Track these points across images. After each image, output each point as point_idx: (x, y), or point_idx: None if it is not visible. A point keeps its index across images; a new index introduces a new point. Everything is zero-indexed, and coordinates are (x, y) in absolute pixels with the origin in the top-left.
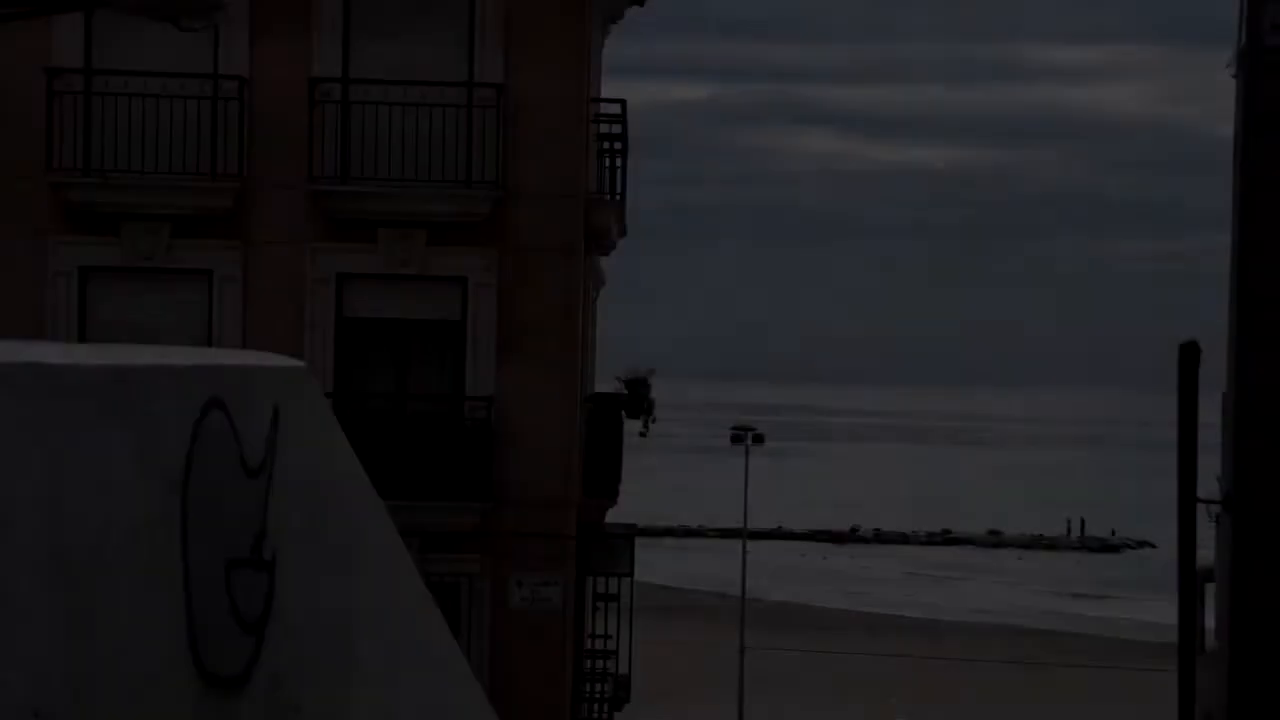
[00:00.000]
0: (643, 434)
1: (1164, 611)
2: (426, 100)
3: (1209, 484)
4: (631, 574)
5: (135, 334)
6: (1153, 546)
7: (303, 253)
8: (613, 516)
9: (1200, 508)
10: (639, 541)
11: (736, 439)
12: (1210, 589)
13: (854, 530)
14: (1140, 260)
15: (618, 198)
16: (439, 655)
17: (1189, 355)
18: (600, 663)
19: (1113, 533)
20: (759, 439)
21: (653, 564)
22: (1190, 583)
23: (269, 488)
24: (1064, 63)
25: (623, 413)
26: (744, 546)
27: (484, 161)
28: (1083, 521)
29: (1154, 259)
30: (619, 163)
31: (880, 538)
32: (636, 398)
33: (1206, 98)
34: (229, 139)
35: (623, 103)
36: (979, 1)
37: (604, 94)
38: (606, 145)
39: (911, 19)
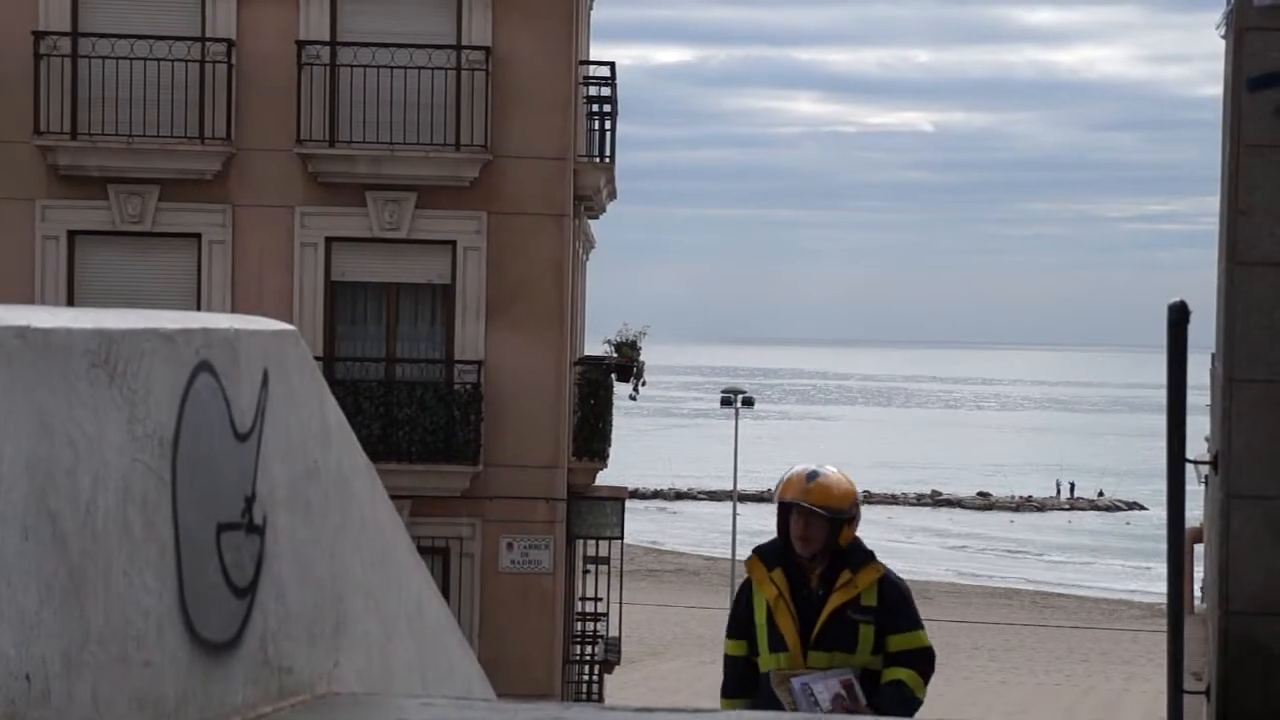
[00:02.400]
0: (632, 397)
1: (1153, 572)
2: (414, 63)
3: (1199, 446)
4: (621, 536)
5: (124, 297)
6: (1142, 508)
7: (291, 216)
8: (602, 479)
9: (1190, 469)
10: (629, 504)
11: (726, 402)
12: (1199, 550)
13: None
14: (1126, 220)
15: (607, 160)
16: (429, 617)
17: (1178, 316)
18: (591, 625)
19: (1100, 494)
20: (749, 402)
21: (643, 526)
22: (1179, 544)
23: (259, 451)
24: (1047, 25)
25: (613, 376)
26: (734, 508)
27: (472, 124)
28: (1072, 484)
29: (1140, 219)
30: (608, 125)
31: (869, 499)
32: (626, 361)
33: (1187, 59)
34: (216, 102)
35: (612, 65)
36: None
37: (594, 56)
38: (595, 108)
39: None
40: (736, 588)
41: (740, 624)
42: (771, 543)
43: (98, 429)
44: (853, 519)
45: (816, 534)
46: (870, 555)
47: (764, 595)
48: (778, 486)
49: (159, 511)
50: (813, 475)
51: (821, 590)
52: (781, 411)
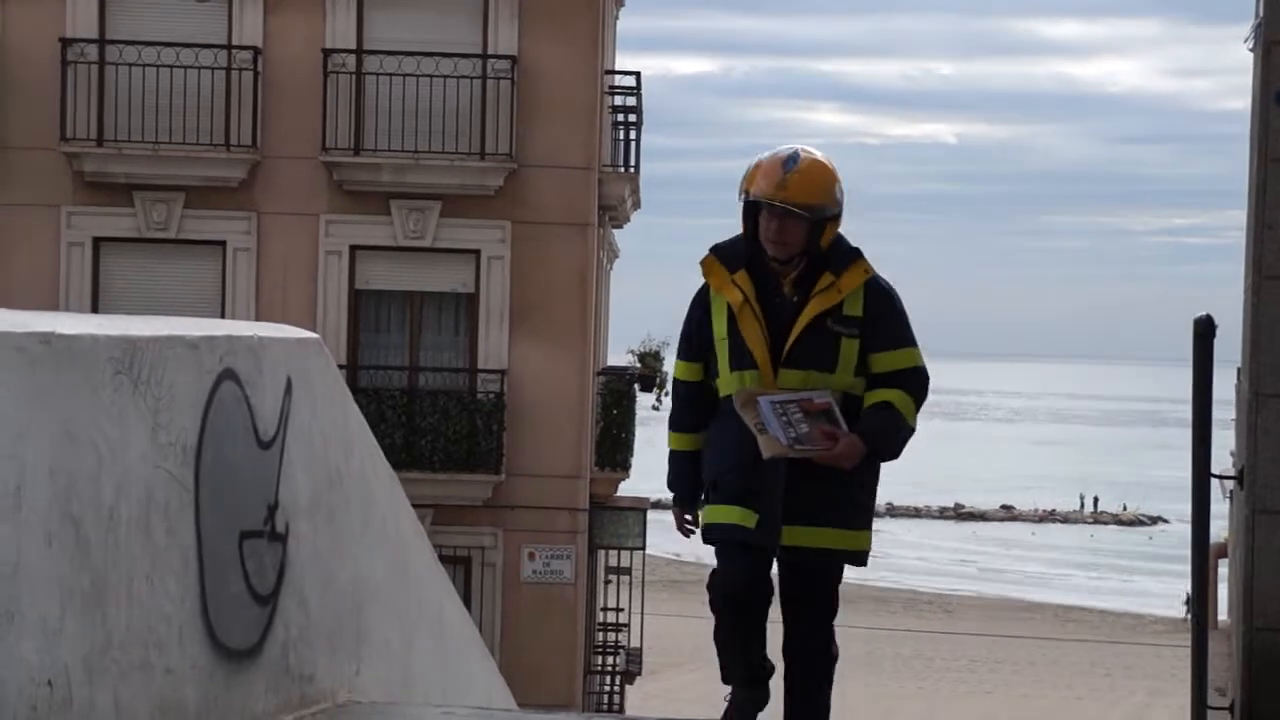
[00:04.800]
0: (655, 407)
1: (1177, 586)
2: (440, 72)
3: (1223, 460)
4: (644, 547)
5: (148, 305)
6: (1166, 522)
7: (316, 224)
8: (625, 489)
9: (1215, 484)
10: (651, 515)
11: None
12: (1224, 564)
13: None
14: (1150, 234)
15: (632, 170)
16: (450, 626)
17: (1204, 330)
18: (612, 635)
19: (1124, 508)
20: None
21: (665, 537)
22: (1203, 558)
23: (282, 459)
24: (1070, 38)
25: (636, 386)
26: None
27: (497, 133)
28: (1095, 498)
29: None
30: (633, 135)
31: (892, 512)
32: (649, 371)
33: (1211, 73)
34: (242, 110)
35: (637, 75)
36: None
37: (618, 66)
38: (620, 118)
39: None
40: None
41: (694, 341)
42: (733, 240)
43: (121, 436)
44: (837, 215)
45: (794, 237)
46: (857, 254)
47: (725, 302)
48: (746, 176)
49: (181, 518)
50: (792, 161)
51: (796, 297)
52: None
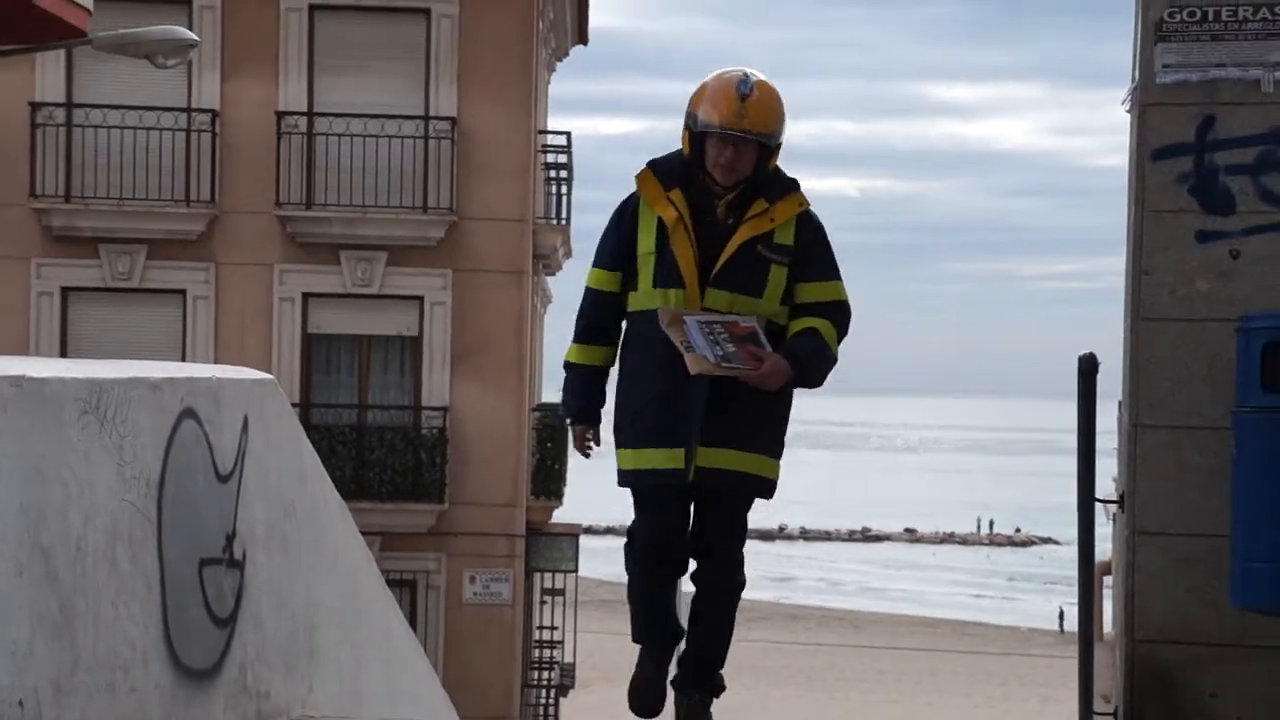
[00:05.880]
0: None
1: (1065, 603)
2: (385, 132)
3: (1107, 485)
4: (576, 569)
5: (114, 350)
6: (1055, 543)
7: (270, 273)
8: (559, 516)
9: (1098, 507)
10: (583, 540)
11: None
12: (1108, 581)
13: (781, 529)
14: (1036, 279)
15: (564, 222)
16: (397, 646)
17: (1088, 367)
18: (547, 652)
19: (1017, 530)
20: None
21: (596, 560)
22: (1089, 575)
23: (239, 491)
24: (961, 100)
25: (568, 421)
26: None
27: (439, 188)
28: (991, 521)
29: (1049, 278)
30: (564, 190)
31: (805, 535)
32: None
33: (1090, 132)
34: (201, 168)
35: (568, 134)
36: (880, 46)
37: (550, 127)
38: (553, 174)
39: (821, 60)
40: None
41: (616, 250)
42: (670, 157)
43: (88, 472)
44: (781, 143)
45: (746, 164)
46: (795, 185)
47: (656, 217)
48: (700, 99)
49: (145, 548)
50: (745, 85)
51: (730, 219)
52: None
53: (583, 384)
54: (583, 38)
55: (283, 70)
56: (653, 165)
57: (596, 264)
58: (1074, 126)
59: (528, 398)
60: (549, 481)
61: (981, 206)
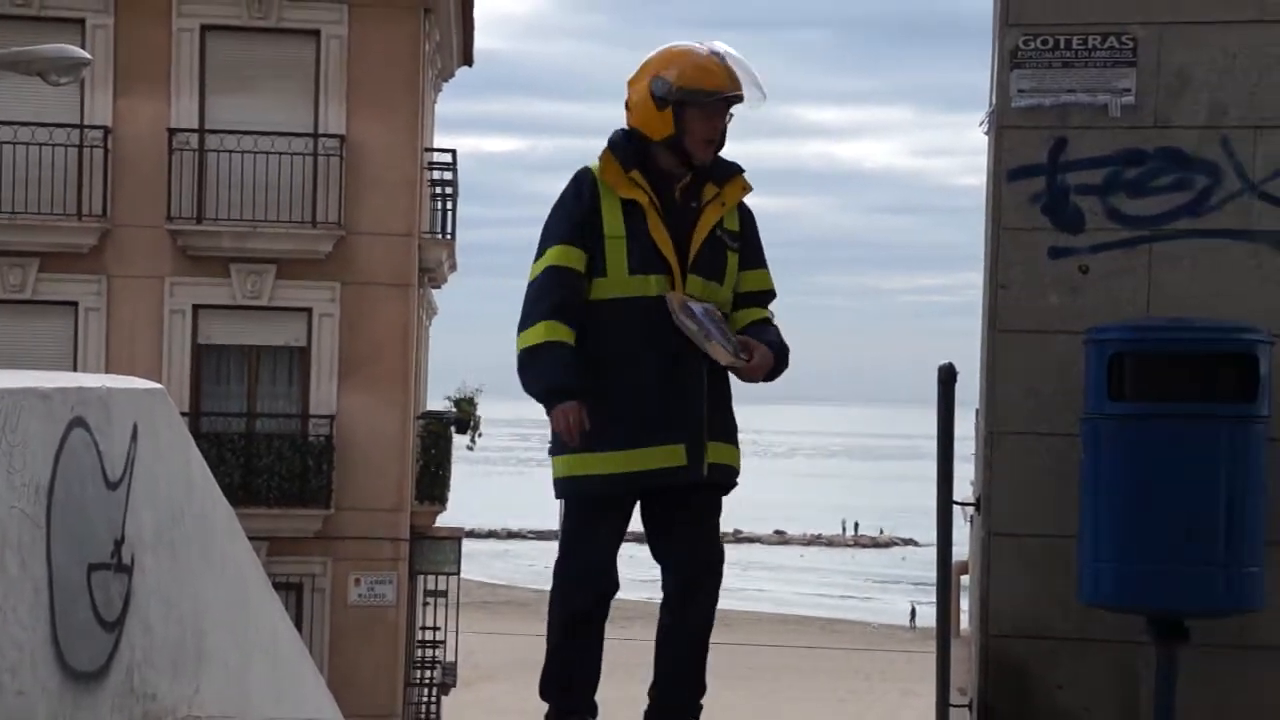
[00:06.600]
0: (470, 447)
1: (925, 600)
2: (275, 149)
3: (965, 489)
4: (459, 572)
5: (6, 361)
6: (916, 544)
7: (161, 286)
8: (442, 520)
9: (956, 510)
10: (465, 543)
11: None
12: (965, 580)
13: None
14: (902, 293)
15: (449, 236)
16: (284, 647)
17: (947, 376)
18: (430, 652)
19: (881, 531)
20: None
21: (478, 563)
22: (947, 575)
23: (128, 498)
24: (831, 122)
25: (452, 428)
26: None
27: (327, 204)
28: (856, 523)
29: (914, 292)
30: (449, 205)
31: None
32: (464, 415)
33: (952, 153)
34: (94, 182)
35: (453, 152)
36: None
37: (436, 144)
38: (438, 190)
39: None
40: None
41: (580, 226)
42: (623, 139)
43: None
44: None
45: (723, 138)
46: (740, 168)
47: (620, 200)
48: (680, 68)
49: (34, 553)
50: (718, 54)
51: (693, 203)
52: None
53: (565, 362)
54: (468, 59)
55: (175, 88)
56: (612, 147)
57: (561, 240)
58: (936, 148)
59: (413, 406)
60: (433, 487)
61: (850, 224)
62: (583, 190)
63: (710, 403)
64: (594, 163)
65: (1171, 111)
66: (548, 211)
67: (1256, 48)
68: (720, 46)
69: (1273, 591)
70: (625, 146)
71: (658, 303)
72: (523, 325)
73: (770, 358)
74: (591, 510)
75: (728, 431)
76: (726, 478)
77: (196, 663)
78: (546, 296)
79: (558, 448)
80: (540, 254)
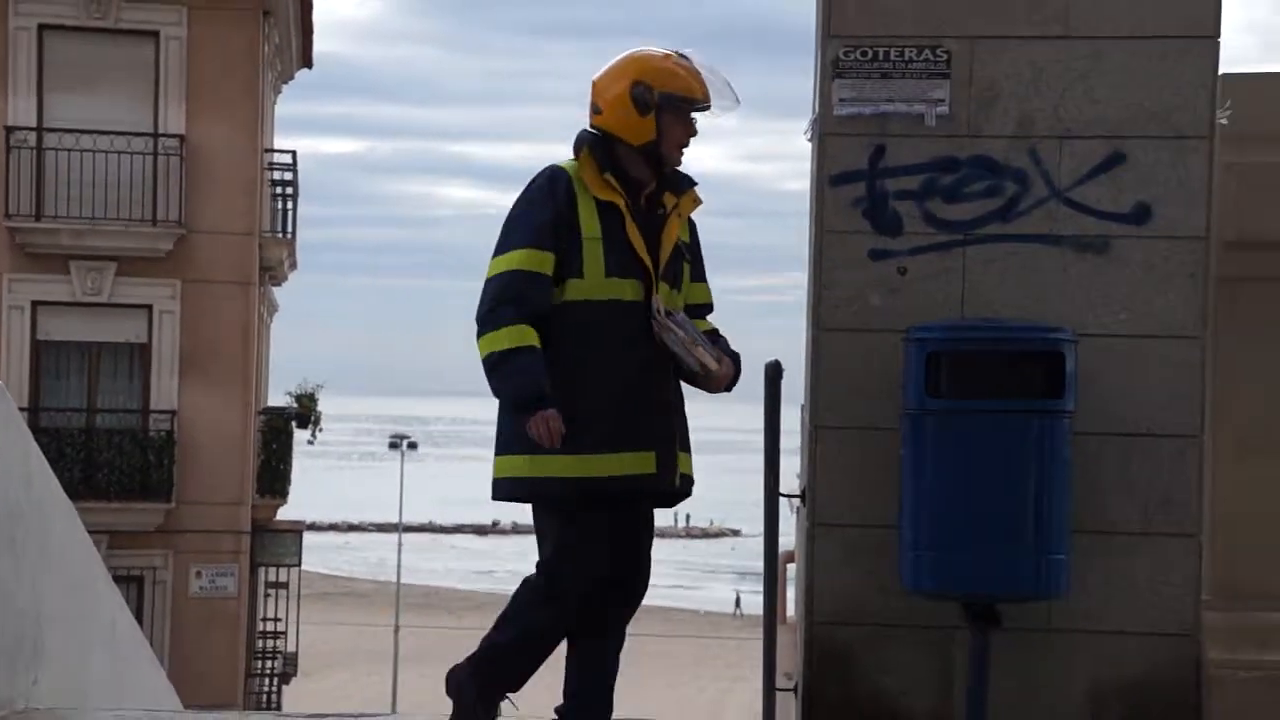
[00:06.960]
0: (311, 442)
1: (753, 589)
2: (114, 148)
3: (791, 482)
4: (299, 564)
5: None
6: (744, 535)
7: (0, 282)
8: (283, 514)
9: (783, 501)
10: (306, 536)
11: (393, 445)
12: (791, 569)
13: (495, 524)
14: (731, 293)
15: (289, 235)
16: (123, 639)
17: (773, 373)
18: (271, 642)
19: (711, 522)
20: (413, 445)
21: (318, 555)
22: (774, 564)
23: None
24: None
25: (293, 423)
26: (399, 539)
27: (168, 202)
28: (688, 515)
29: (741, 292)
30: (290, 205)
31: (518, 529)
32: (305, 410)
33: (777, 159)
34: None
35: (293, 153)
36: (591, 76)
37: (276, 145)
38: (279, 190)
39: (539, 88)
40: (401, 606)
41: (551, 229)
42: (593, 138)
43: None
44: None
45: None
46: (692, 181)
47: (598, 200)
48: (658, 74)
49: None
50: (690, 59)
51: (661, 210)
52: (442, 453)
53: (540, 368)
54: (307, 61)
55: (12, 87)
56: (590, 148)
57: (524, 244)
58: (762, 154)
59: (254, 401)
60: (274, 481)
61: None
62: (558, 189)
63: (676, 411)
64: (565, 161)
65: (983, 121)
66: (509, 207)
67: (1062, 62)
68: (690, 53)
69: (1077, 577)
70: (600, 148)
71: (632, 307)
72: (487, 326)
73: (733, 368)
74: (566, 517)
75: (687, 441)
76: (688, 488)
77: (34, 656)
78: (510, 302)
79: (513, 447)
80: (505, 249)
